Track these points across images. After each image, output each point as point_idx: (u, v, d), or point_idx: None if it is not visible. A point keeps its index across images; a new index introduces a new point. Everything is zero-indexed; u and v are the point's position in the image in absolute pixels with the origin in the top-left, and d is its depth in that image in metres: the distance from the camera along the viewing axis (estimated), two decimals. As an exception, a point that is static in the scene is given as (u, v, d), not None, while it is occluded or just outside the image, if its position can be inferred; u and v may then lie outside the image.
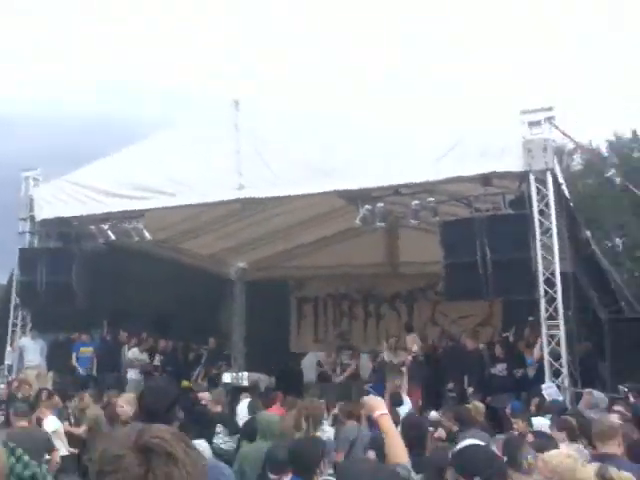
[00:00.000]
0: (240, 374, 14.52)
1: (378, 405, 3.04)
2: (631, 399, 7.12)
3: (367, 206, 9.49)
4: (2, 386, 10.30)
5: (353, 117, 9.22)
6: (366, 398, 3.31)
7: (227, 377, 14.40)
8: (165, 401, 2.99)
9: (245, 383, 14.10)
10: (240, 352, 15.38)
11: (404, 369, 11.02)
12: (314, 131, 9.24)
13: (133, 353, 12.09)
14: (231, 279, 15.63)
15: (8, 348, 11.48)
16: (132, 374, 12.06)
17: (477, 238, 8.66)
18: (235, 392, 11.56)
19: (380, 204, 9.53)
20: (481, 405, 7.75)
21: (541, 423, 6.18)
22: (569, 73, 42.21)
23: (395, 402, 7.85)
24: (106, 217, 10.66)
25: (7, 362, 11.40)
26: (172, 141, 9.95)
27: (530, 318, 9.58)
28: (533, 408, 7.76)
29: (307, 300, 15.85)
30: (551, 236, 8.29)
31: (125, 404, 5.38)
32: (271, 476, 4.27)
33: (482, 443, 3.29)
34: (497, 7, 49.37)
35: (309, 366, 14.19)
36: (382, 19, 52.45)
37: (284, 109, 9.51)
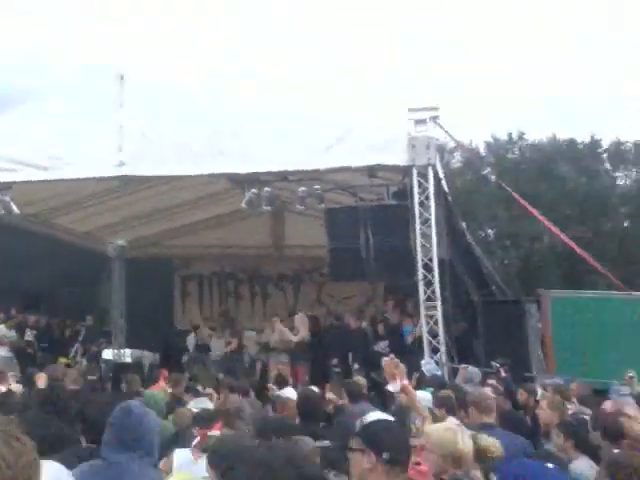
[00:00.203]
0: (122, 351, 14.21)
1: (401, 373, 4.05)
2: (502, 374, 7.67)
3: (253, 190, 9.42)
4: None
5: (246, 100, 8.99)
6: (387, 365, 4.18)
7: (108, 354, 14.11)
8: None
9: (128, 360, 13.77)
10: (121, 329, 14.86)
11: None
12: (205, 112, 8.96)
13: (0, 330, 11.32)
14: (109, 256, 14.95)
15: None
16: (1, 351, 11.31)
17: (361, 225, 9.05)
18: (117, 369, 11.26)
19: (267, 189, 9.48)
20: (363, 380, 7.98)
21: (422, 396, 6.44)
22: (569, 73, 42.97)
23: (280, 383, 7.95)
24: (-31, 189, 9.77)
25: None
26: (45, 113, 9.27)
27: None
28: (414, 382, 8.12)
29: (192, 278, 15.57)
30: (430, 226, 8.68)
31: None
32: (197, 431, 4.60)
33: (390, 418, 3.34)
34: (497, 7, 49.40)
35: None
36: (382, 19, 51.65)
37: (177, 87, 9.12)
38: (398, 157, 8.46)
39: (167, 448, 4.28)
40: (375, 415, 3.16)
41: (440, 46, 49.41)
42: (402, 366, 4.53)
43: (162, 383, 7.88)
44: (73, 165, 9.14)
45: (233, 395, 6.91)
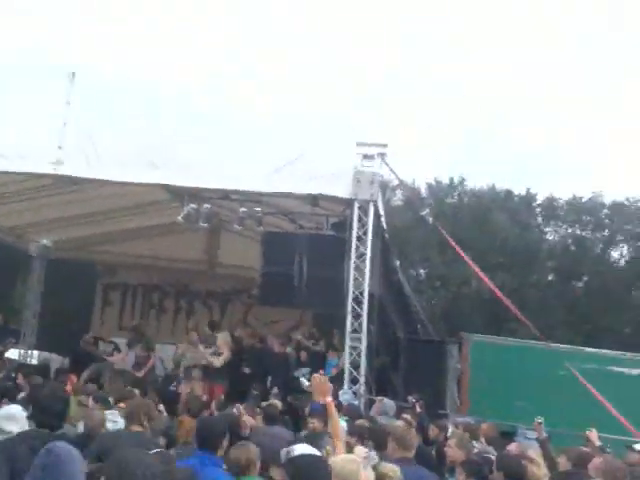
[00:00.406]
0: (30, 352, 13.55)
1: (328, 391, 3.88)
2: (417, 409, 7.76)
3: (192, 205, 9.30)
4: None
5: (201, 112, 8.87)
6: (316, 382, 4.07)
7: (14, 353, 13.41)
8: None
9: (34, 361, 13.14)
10: (31, 329, 14.17)
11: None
12: (154, 117, 8.81)
13: None
14: (31, 254, 14.28)
15: None
16: None
17: (296, 252, 9.09)
18: (22, 369, 10.69)
19: (206, 205, 9.39)
20: (279, 403, 8.00)
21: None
22: (569, 73, 43.50)
23: (193, 409, 7.55)
24: None
25: None
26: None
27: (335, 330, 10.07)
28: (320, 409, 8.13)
29: (115, 287, 15.07)
30: (364, 260, 8.79)
31: None
32: None
33: (317, 453, 3.39)
34: (497, 7, 49.25)
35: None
36: (382, 19, 51.33)
37: (123, 86, 8.91)
38: (342, 189, 8.54)
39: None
40: (301, 448, 3.16)
41: (440, 46, 49.71)
42: (330, 385, 4.64)
43: (68, 388, 7.68)
44: (7, 158, 8.76)
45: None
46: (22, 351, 13.54)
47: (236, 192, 9.05)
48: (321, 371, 4.97)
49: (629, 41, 45.91)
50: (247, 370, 11.19)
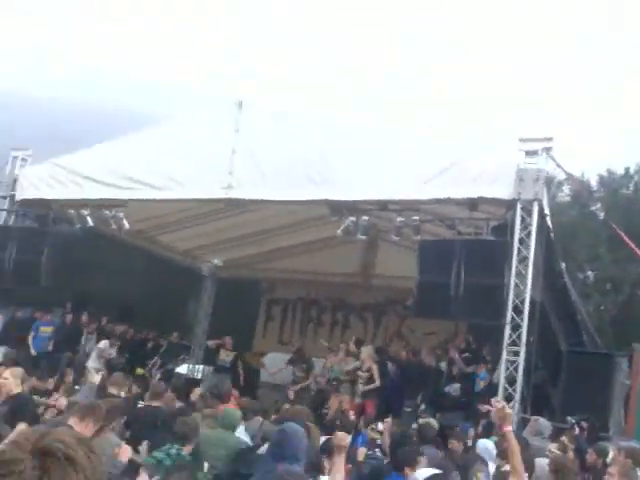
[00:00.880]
0: (196, 367, 14.53)
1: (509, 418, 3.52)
2: (576, 431, 7.28)
3: (352, 218, 9.53)
4: None
5: (353, 126, 9.19)
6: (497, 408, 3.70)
7: (183, 368, 14.45)
8: None
9: (199, 376, 14.13)
10: (201, 346, 15.30)
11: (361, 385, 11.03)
12: (310, 136, 9.23)
13: (105, 344, 11.83)
14: (203, 274, 15.54)
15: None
16: (93, 363, 11.80)
17: (454, 259, 8.73)
18: (189, 384, 11.58)
19: (365, 217, 9.58)
20: (435, 423, 7.89)
21: (485, 445, 6.30)
22: (569, 73, 42.49)
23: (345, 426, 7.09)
24: (86, 203, 10.52)
25: None
26: (168, 136, 9.87)
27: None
28: (480, 429, 7.95)
29: (277, 302, 15.81)
30: (527, 265, 8.37)
31: (10, 376, 5.58)
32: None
33: (438, 471, 3.43)
34: (497, 7, 49.37)
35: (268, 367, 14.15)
36: (382, 19, 52.59)
37: (284, 111, 9.50)
38: (503, 190, 8.26)
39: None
40: (425, 473, 3.15)
41: (440, 46, 49.16)
42: (510, 411, 4.28)
43: (232, 403, 7.99)
44: (185, 186, 9.66)
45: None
46: (190, 366, 14.65)
47: (395, 202, 9.17)
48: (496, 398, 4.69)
49: (629, 41, 42.92)
50: (397, 384, 11.16)
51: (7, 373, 5.80)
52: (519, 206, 8.32)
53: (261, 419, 7.21)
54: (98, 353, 11.69)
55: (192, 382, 12.03)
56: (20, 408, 5.47)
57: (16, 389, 5.74)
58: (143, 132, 10.45)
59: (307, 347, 13.72)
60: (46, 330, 12.01)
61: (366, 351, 11.44)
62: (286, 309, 15.76)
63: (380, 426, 8.37)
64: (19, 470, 1.11)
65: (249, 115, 9.48)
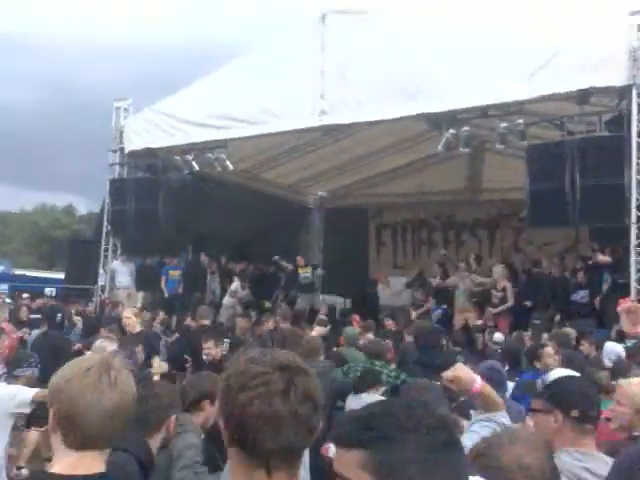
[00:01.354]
0: (319, 297, 14.92)
1: (472, 377, 2.60)
2: None
3: (451, 130, 9.19)
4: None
5: (438, 33, 8.62)
6: (459, 371, 2.66)
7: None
8: None
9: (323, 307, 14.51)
10: (317, 277, 15.65)
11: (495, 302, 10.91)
12: (397, 49, 8.80)
13: (236, 286, 12.35)
14: (309, 207, 15.76)
15: (100, 271, 12.32)
16: (227, 301, 12.40)
17: (567, 163, 8.30)
18: (310, 314, 11.96)
19: (465, 128, 9.21)
20: (572, 331, 7.73)
21: (613, 347, 6.08)
22: None
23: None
24: (190, 148, 10.89)
25: (100, 283, 12.37)
26: (256, 66, 9.80)
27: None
28: (613, 334, 7.61)
29: (386, 227, 15.79)
30: None
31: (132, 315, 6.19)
32: None
33: (576, 374, 3.26)
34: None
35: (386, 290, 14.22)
36: None
37: (367, 25, 9.07)
38: (615, 76, 7.51)
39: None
40: (558, 372, 3.04)
41: None
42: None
43: (355, 326, 8.36)
44: (280, 117, 9.67)
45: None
46: (309, 296, 14.97)
47: (495, 106, 8.68)
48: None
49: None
50: (527, 302, 10.85)
51: (128, 312, 6.37)
52: (635, 92, 7.62)
53: None
54: (231, 294, 12.26)
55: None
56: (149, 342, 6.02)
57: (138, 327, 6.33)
58: (232, 63, 10.41)
59: (423, 269, 13.60)
60: (174, 274, 12.81)
61: (499, 270, 11.23)
62: (396, 233, 15.71)
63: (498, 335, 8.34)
64: (268, 381, 1.30)
65: (334, 29, 9.12)
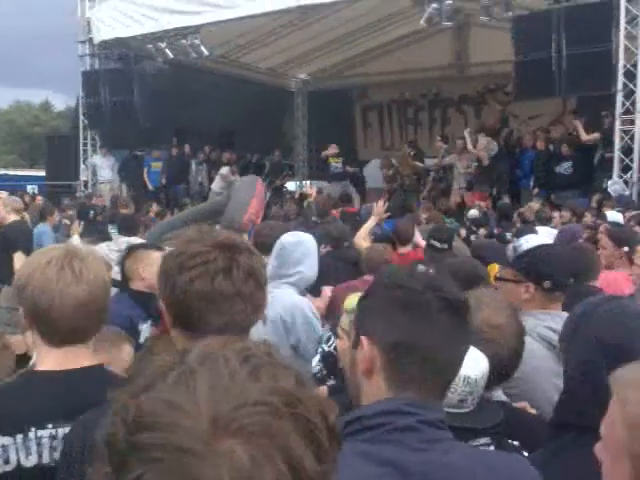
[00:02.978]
0: (304, 182, 14.90)
1: None
2: None
3: (434, 5, 8.85)
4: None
5: None
6: None
7: (292, 185, 14.89)
8: None
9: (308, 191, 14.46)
10: (304, 162, 15.54)
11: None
12: None
13: (226, 170, 11.89)
14: (292, 90, 15.33)
15: (82, 166, 12.20)
16: (216, 187, 11.99)
17: (553, 32, 8.17)
18: (300, 197, 12.00)
19: (448, 1, 8.87)
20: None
21: (614, 217, 6.04)
22: None
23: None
24: (163, 35, 10.44)
25: (82, 178, 12.26)
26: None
27: (603, 113, 9.14)
28: (594, 204, 7.76)
29: (371, 108, 15.43)
30: (637, 24, 7.69)
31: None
32: None
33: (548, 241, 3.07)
34: None
35: (373, 172, 14.22)
36: None
37: None
38: None
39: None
40: (530, 240, 2.58)
41: None
42: None
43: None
44: (256, 1, 9.20)
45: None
46: (298, 182, 15.00)
47: (478, -24, 8.29)
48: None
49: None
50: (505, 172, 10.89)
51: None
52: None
53: None
54: (222, 178, 11.84)
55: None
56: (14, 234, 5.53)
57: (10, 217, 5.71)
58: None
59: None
60: (157, 165, 12.62)
61: (483, 140, 11.09)
62: (381, 114, 15.38)
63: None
64: (211, 259, 1.24)
65: None
